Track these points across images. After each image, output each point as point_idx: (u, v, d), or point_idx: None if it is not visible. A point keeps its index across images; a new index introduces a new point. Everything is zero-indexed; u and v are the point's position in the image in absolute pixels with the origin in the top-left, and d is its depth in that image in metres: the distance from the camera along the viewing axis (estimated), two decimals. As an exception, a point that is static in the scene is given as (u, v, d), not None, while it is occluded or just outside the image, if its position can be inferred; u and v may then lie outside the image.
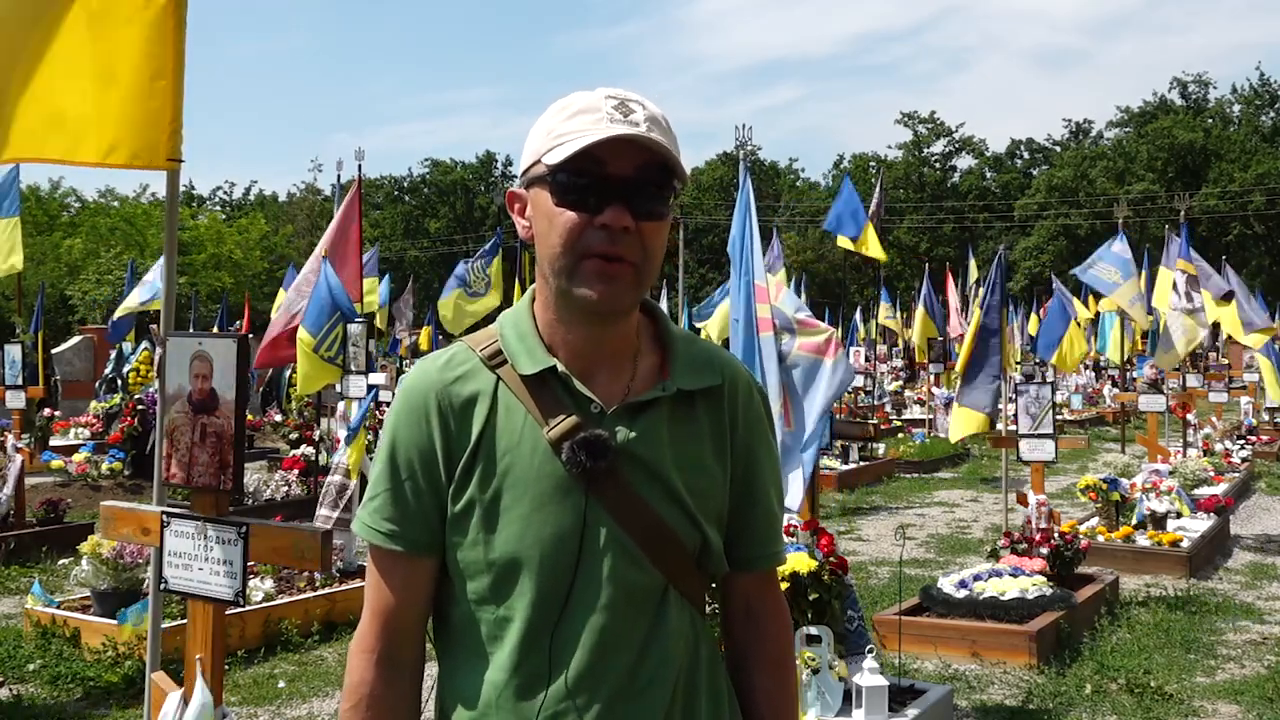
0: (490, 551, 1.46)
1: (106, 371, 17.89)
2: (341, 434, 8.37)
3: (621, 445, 1.48)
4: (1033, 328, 29.27)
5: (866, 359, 24.13)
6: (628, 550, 1.47)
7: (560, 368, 1.50)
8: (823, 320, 6.73)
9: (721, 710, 1.57)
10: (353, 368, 9.28)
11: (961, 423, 8.52)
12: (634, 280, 1.46)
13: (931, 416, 19.46)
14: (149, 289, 15.30)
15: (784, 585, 4.84)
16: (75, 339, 23.47)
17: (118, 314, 16.16)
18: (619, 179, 1.43)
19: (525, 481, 1.47)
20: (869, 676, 4.75)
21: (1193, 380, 17.13)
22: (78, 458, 12.92)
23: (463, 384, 1.51)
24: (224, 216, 51.52)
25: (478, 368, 1.53)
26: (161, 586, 3.01)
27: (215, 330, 20.07)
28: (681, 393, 1.53)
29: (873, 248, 14.79)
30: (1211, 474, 12.24)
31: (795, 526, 5.37)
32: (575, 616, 1.45)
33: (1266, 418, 19.02)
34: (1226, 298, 13.42)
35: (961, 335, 19.81)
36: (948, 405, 19.22)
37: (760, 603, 1.66)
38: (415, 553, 1.51)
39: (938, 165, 67.95)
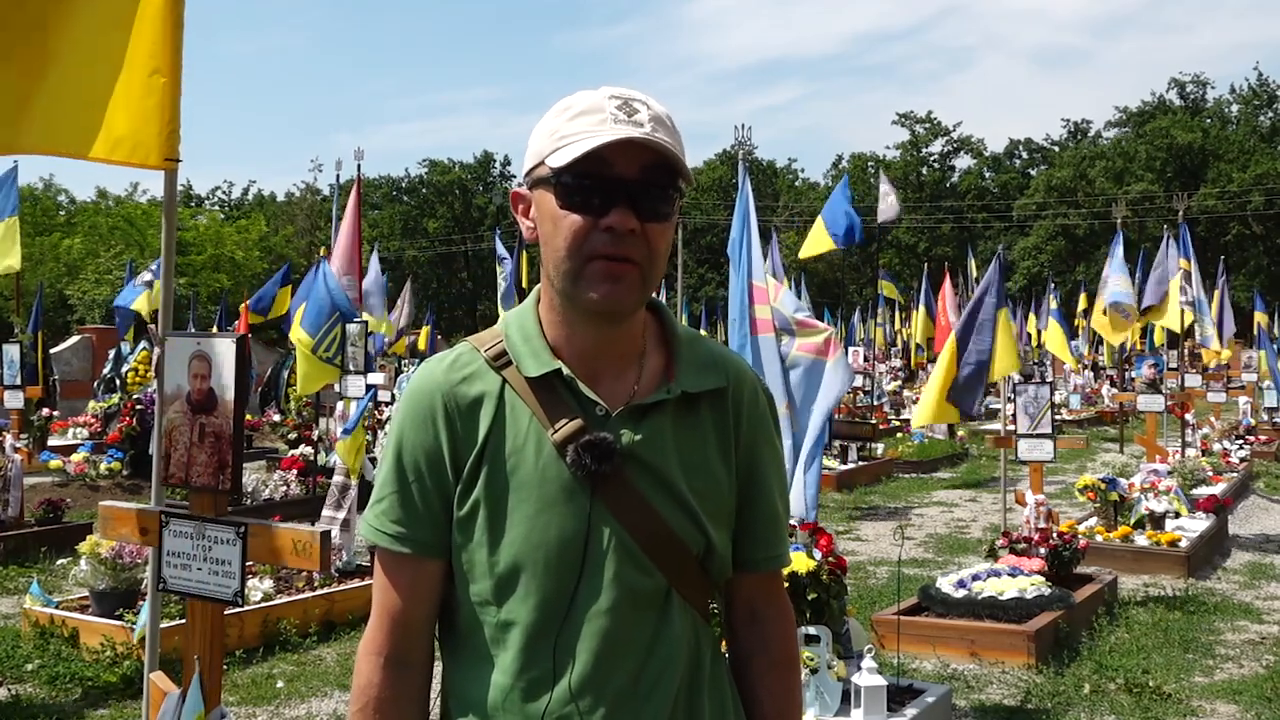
0: (495, 554, 1.46)
1: (105, 371, 17.89)
2: (339, 433, 8.36)
3: (626, 448, 1.47)
4: (1031, 327, 29.35)
5: (865, 359, 24.13)
6: (632, 553, 1.46)
7: (565, 370, 1.49)
8: (822, 320, 6.72)
9: (726, 714, 1.57)
10: (351, 368, 9.28)
11: (933, 412, 8.42)
12: (640, 282, 1.45)
13: (930, 416, 19.45)
14: (135, 290, 15.41)
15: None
16: (74, 339, 23.48)
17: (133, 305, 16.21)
18: (624, 180, 1.42)
19: (530, 484, 1.46)
20: (867, 676, 4.75)
21: (1191, 380, 17.16)
22: (76, 458, 12.91)
23: (468, 385, 1.51)
24: (223, 216, 51.51)
25: (483, 369, 1.52)
26: (160, 586, 3.01)
27: (214, 330, 20.06)
28: (686, 394, 1.52)
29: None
30: (1210, 474, 12.25)
31: (794, 527, 5.38)
32: (579, 620, 1.45)
33: (1265, 418, 19.03)
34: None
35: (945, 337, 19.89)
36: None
37: (765, 604, 1.65)
38: (423, 555, 1.51)
39: (936, 165, 67.96)
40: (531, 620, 1.45)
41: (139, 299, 15.87)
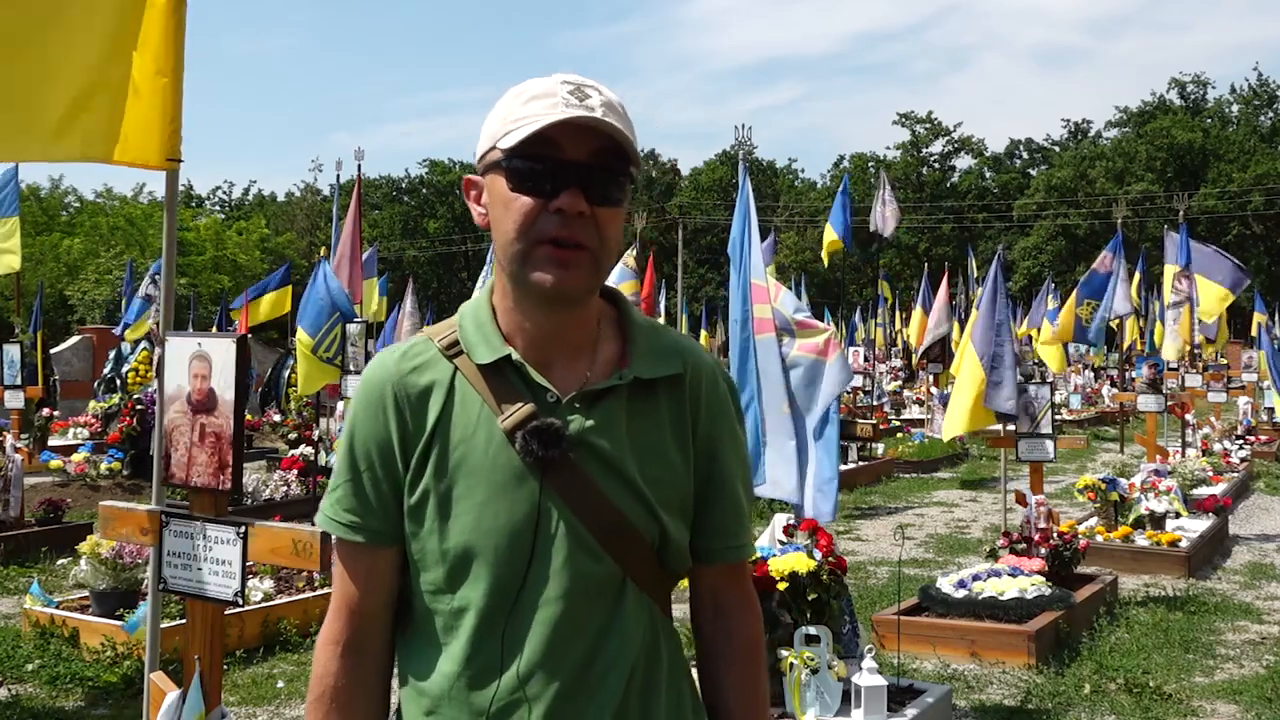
0: (445, 541, 1.45)
1: (105, 371, 17.90)
2: (338, 433, 8.36)
3: (576, 434, 1.46)
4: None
5: (865, 359, 24.11)
6: (583, 540, 1.45)
7: (516, 356, 1.49)
8: (822, 320, 6.72)
9: (684, 710, 1.54)
10: (351, 368, 9.29)
11: (966, 418, 8.33)
12: (590, 266, 1.44)
13: (930, 416, 19.46)
14: (139, 305, 15.45)
15: (783, 585, 4.84)
16: (74, 339, 23.51)
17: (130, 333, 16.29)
18: (574, 164, 1.42)
19: (480, 471, 1.46)
20: (868, 676, 4.75)
21: (1191, 380, 17.15)
22: (76, 458, 12.90)
23: (419, 374, 1.50)
24: (223, 217, 51.53)
25: (435, 358, 1.52)
26: (161, 586, 3.02)
27: (214, 330, 20.04)
28: (641, 381, 1.51)
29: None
30: (1210, 474, 12.25)
31: (794, 526, 5.38)
32: (529, 607, 1.44)
33: (1265, 418, 19.02)
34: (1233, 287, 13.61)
35: (935, 336, 19.99)
36: (946, 405, 19.22)
37: (727, 596, 1.63)
38: (377, 543, 1.51)
39: (936, 165, 67.97)
40: (482, 607, 1.44)
41: (139, 324, 15.92)
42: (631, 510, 1.48)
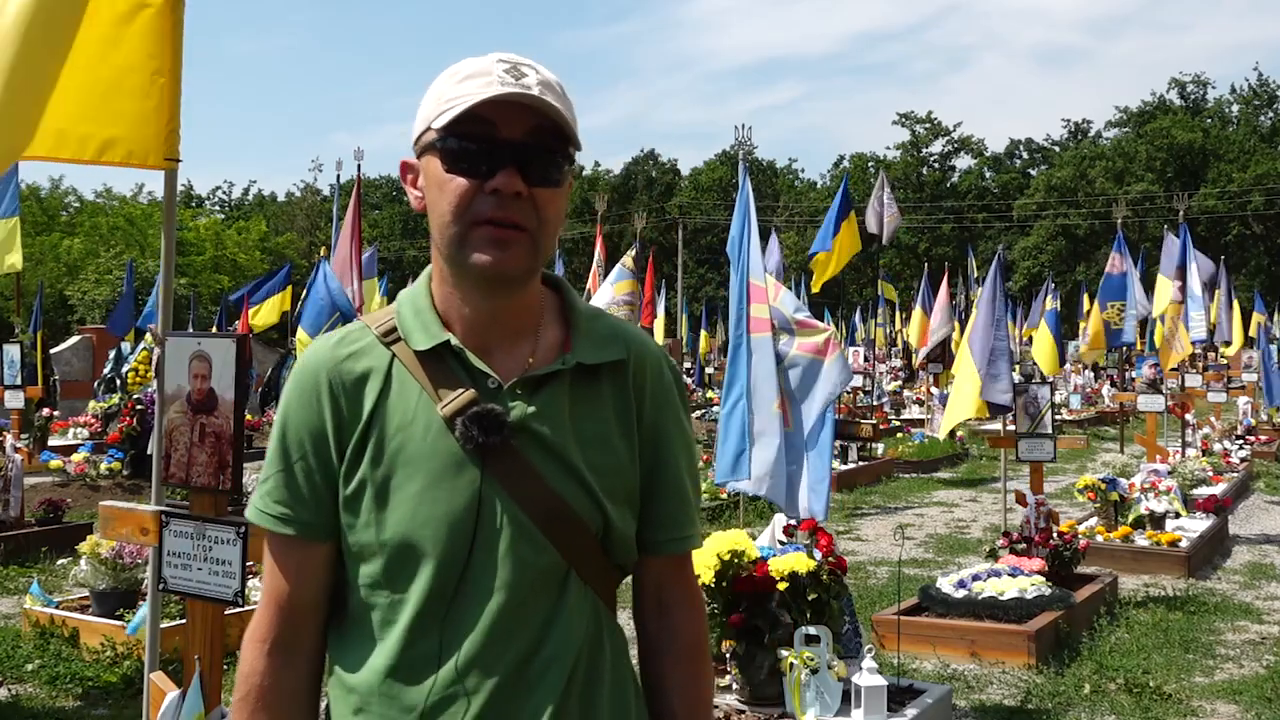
0: (382, 532, 1.41)
1: (105, 371, 17.89)
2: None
3: (518, 420, 1.43)
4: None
5: (865, 359, 24.11)
6: (526, 529, 1.41)
7: (455, 342, 1.45)
8: (822, 320, 6.73)
9: (626, 704, 1.51)
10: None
11: (964, 409, 8.60)
12: (529, 247, 1.41)
13: (930, 416, 19.45)
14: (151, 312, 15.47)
15: (783, 585, 4.85)
16: (74, 339, 23.51)
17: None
18: (510, 143, 1.39)
19: (418, 459, 1.41)
20: (868, 676, 4.75)
21: (1191, 380, 17.14)
22: (76, 458, 12.89)
23: (355, 361, 1.46)
24: (223, 217, 51.55)
25: (372, 345, 1.48)
26: (160, 586, 3.02)
27: (214, 330, 20.04)
28: (584, 367, 1.48)
29: (851, 244, 15.10)
30: (1210, 474, 12.25)
31: (794, 526, 5.38)
32: (470, 598, 1.40)
33: (1265, 417, 19.01)
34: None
35: (937, 339, 20.01)
36: (945, 405, 19.21)
37: (671, 591, 1.59)
38: (308, 537, 1.46)
39: (936, 165, 67.99)
40: (421, 600, 1.40)
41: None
42: (574, 498, 1.44)
